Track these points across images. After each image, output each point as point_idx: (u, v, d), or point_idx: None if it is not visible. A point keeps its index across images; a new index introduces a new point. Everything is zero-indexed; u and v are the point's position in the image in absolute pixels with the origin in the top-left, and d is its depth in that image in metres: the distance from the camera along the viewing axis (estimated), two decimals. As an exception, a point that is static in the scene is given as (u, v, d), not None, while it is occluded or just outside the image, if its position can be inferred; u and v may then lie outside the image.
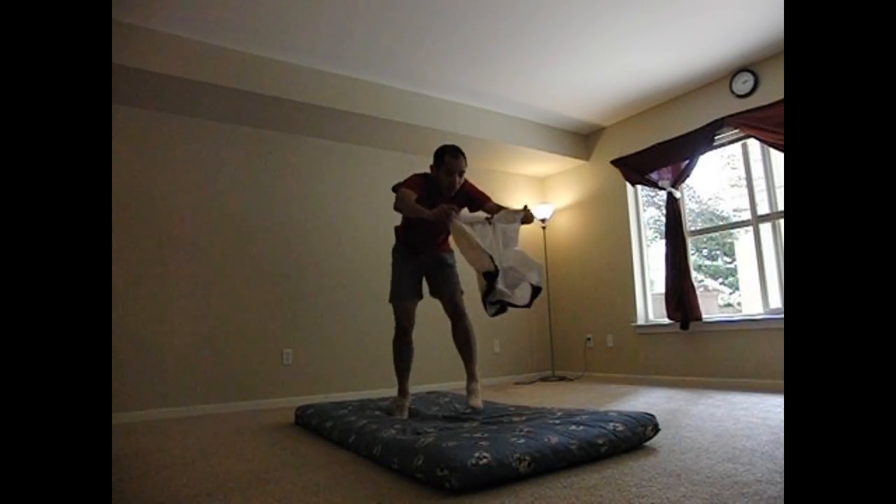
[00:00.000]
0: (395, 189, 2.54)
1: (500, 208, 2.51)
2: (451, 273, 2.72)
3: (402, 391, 2.69)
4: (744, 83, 3.85)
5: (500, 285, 2.23)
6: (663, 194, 4.37)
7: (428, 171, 2.64)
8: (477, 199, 2.66)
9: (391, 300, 2.72)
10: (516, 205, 5.21)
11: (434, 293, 2.75)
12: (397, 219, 2.77)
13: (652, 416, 2.07)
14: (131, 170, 3.48)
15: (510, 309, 2.34)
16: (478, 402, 2.54)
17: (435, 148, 2.67)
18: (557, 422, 2.02)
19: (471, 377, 2.62)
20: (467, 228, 2.30)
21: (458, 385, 3.49)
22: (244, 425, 2.95)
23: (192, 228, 3.65)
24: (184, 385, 3.45)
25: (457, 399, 3.07)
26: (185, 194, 3.66)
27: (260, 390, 3.71)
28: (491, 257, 2.22)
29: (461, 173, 2.56)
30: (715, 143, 4.11)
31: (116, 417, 3.12)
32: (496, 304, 2.29)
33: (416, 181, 2.56)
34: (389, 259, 2.83)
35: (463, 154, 2.59)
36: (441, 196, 2.56)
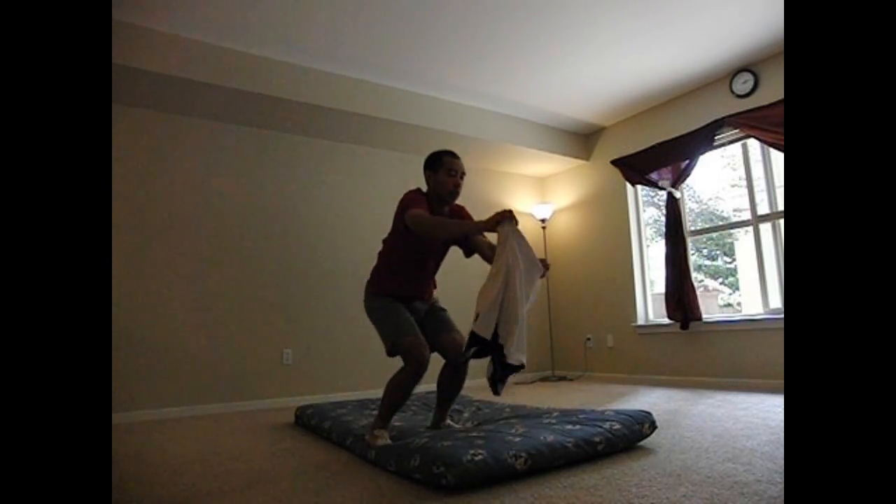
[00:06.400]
0: (401, 214, 2.17)
1: (491, 247, 2.11)
2: (446, 316, 2.35)
3: (387, 426, 2.16)
4: (744, 83, 3.85)
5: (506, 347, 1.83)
6: (663, 194, 4.37)
7: (417, 188, 2.30)
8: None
9: (396, 342, 2.15)
10: (517, 205, 5.23)
11: (432, 339, 2.26)
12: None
13: (648, 413, 2.07)
14: (131, 169, 3.48)
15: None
16: (457, 426, 2.33)
17: (434, 149, 2.51)
18: (554, 421, 2.02)
19: (446, 417, 2.39)
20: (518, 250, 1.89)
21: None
22: (244, 425, 2.95)
23: (192, 228, 3.65)
24: (184, 385, 3.45)
25: (456, 400, 3.06)
26: (184, 194, 3.66)
27: (260, 390, 3.71)
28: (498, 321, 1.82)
29: (462, 175, 2.27)
30: (715, 143, 4.10)
31: (116, 417, 3.12)
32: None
33: (419, 199, 2.19)
34: None
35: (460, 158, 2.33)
36: (440, 210, 2.27)
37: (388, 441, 2.00)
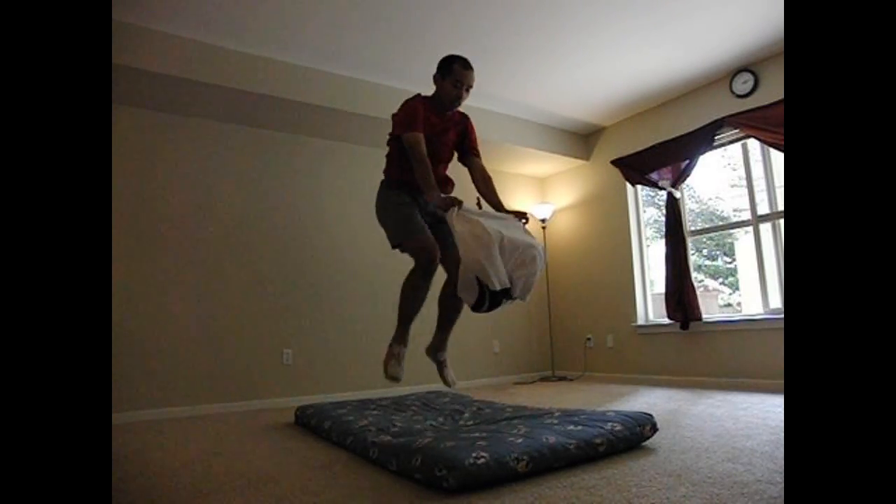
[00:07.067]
0: (398, 127, 2.25)
1: (484, 178, 2.34)
2: (451, 232, 2.31)
3: (405, 339, 2.22)
4: (744, 83, 3.85)
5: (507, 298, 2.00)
6: (663, 194, 4.37)
7: (420, 94, 2.34)
8: (468, 143, 2.41)
9: (401, 240, 2.21)
10: (517, 205, 5.23)
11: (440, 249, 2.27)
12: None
13: (650, 415, 2.07)
14: (131, 169, 3.48)
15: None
16: (453, 375, 2.38)
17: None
18: (556, 422, 2.02)
19: (444, 346, 2.38)
20: (483, 224, 1.99)
21: (460, 385, 3.47)
22: (244, 425, 2.95)
23: (192, 228, 3.65)
24: (184, 385, 3.45)
25: (457, 400, 3.07)
26: (184, 194, 3.66)
27: (260, 390, 3.71)
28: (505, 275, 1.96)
29: (468, 88, 2.28)
30: (715, 143, 4.11)
31: (116, 417, 3.12)
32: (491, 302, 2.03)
33: (417, 112, 2.21)
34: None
35: (473, 69, 2.29)
36: (441, 117, 2.31)
37: (399, 369, 2.08)
